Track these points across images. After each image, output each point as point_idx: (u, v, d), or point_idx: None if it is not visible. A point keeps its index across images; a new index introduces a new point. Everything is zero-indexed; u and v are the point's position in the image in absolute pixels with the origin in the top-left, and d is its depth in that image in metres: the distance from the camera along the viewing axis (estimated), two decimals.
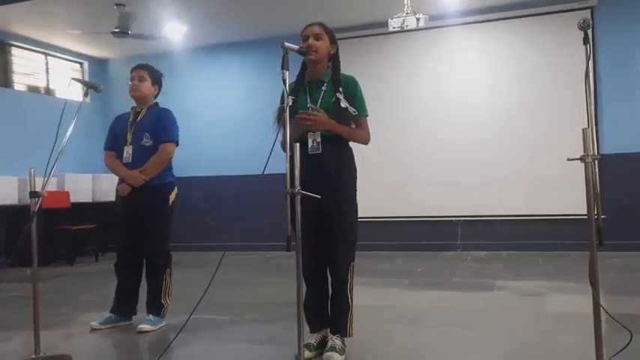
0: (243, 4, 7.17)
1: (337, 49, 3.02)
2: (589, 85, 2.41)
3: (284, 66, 2.58)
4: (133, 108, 3.89)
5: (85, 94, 3.34)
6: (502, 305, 4.20)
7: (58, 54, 8.81)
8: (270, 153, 2.62)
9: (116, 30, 6.75)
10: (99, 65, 9.46)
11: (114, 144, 3.84)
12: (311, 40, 2.88)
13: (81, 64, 9.29)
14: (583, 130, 2.36)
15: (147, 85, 3.83)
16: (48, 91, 8.73)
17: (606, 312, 2.29)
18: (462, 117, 7.56)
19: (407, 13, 5.23)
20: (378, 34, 7.73)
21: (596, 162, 2.33)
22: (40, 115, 8.19)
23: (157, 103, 3.93)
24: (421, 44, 7.76)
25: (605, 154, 7.03)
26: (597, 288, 2.32)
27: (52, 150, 3.09)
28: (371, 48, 7.89)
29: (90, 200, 8.31)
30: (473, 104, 7.54)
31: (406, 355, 2.94)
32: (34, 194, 3.01)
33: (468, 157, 7.50)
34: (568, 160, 2.43)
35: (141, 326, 3.56)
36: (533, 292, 4.55)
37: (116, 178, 3.89)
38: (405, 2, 5.31)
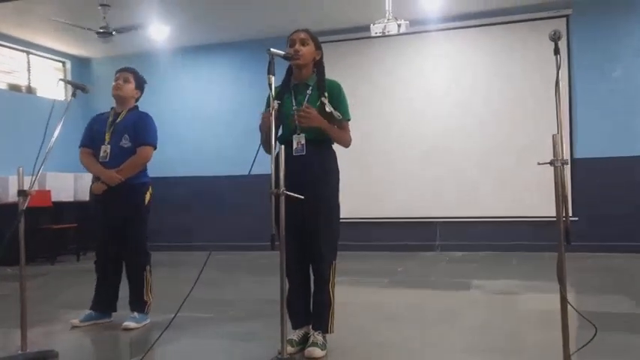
0: (227, 7, 7.25)
1: (322, 55, 3.13)
2: (559, 93, 2.54)
3: (270, 71, 2.68)
4: (112, 108, 3.94)
5: (73, 95, 3.41)
6: (477, 303, 4.36)
7: (40, 52, 8.78)
8: (256, 154, 2.71)
9: (101, 30, 6.77)
10: (82, 64, 9.44)
11: (91, 142, 3.87)
12: (297, 46, 2.98)
13: (63, 63, 9.26)
14: (553, 135, 2.50)
15: (130, 87, 3.89)
16: (29, 90, 8.69)
17: (573, 308, 2.42)
18: (441, 120, 7.73)
19: (388, 20, 5.36)
20: (361, 38, 7.85)
21: (565, 166, 2.47)
22: (21, 114, 8.17)
23: (137, 106, 3.98)
24: (402, 48, 7.91)
25: (578, 158, 7.29)
26: (564, 285, 2.45)
27: (40, 149, 3.15)
28: (354, 51, 8.03)
29: (71, 199, 8.30)
30: (452, 108, 7.71)
31: (385, 351, 3.05)
32: (22, 193, 3.07)
33: (447, 160, 7.67)
34: (538, 164, 2.56)
35: (126, 323, 3.62)
36: (507, 290, 4.71)
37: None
38: (387, 9, 5.44)
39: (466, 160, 7.61)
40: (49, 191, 7.83)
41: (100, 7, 6.76)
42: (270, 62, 2.69)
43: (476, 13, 7.56)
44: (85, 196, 8.27)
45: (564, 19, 7.27)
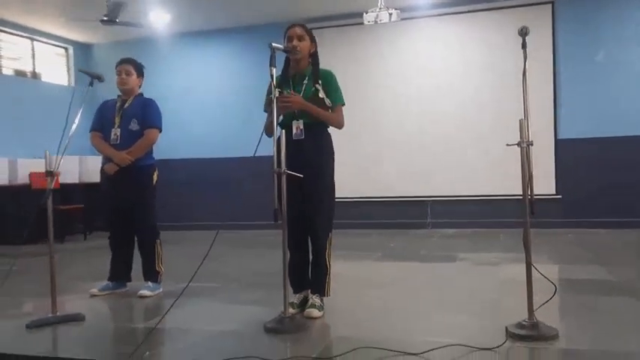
0: None
1: (316, 47, 3.45)
2: (525, 83, 2.88)
3: (272, 63, 3.04)
4: (119, 96, 4.26)
5: (90, 84, 3.73)
6: (461, 273, 4.76)
7: (43, 39, 9.04)
8: (260, 137, 3.06)
9: (105, 18, 7.04)
10: (84, 50, 9.71)
11: (100, 126, 4.20)
12: (295, 42, 3.30)
13: (66, 48, 9.52)
14: (520, 120, 2.85)
15: (133, 78, 4.22)
16: (34, 75, 8.97)
17: (536, 269, 2.79)
18: (431, 104, 8.07)
19: (380, 9, 5.67)
20: (354, 24, 8.14)
21: (530, 147, 2.83)
22: (27, 99, 8.48)
23: (141, 93, 4.31)
24: (394, 34, 8.19)
25: (562, 138, 7.65)
26: (529, 250, 2.84)
27: (63, 133, 3.48)
28: (347, 37, 8.34)
29: (77, 181, 8.62)
30: (442, 90, 8.04)
31: (373, 311, 3.44)
32: (49, 173, 3.41)
33: (438, 142, 8.02)
34: (507, 145, 2.92)
35: (141, 292, 4.00)
36: (490, 262, 5.11)
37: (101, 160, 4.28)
38: None
39: (457, 142, 7.96)
40: (56, 173, 8.13)
41: None
42: (271, 55, 3.03)
43: (464, 0, 7.85)
44: (90, 178, 8.60)
45: (549, 5, 7.58)
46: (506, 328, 2.77)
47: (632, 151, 7.35)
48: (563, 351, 2.60)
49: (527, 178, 2.83)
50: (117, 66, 4.22)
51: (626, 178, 7.32)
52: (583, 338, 2.76)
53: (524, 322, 2.78)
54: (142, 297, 3.97)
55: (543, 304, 2.82)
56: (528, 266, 2.82)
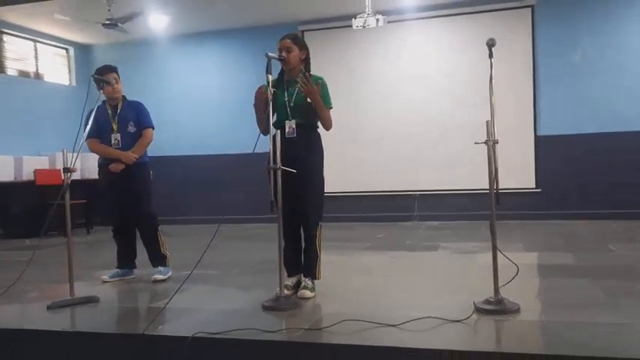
0: None
1: (308, 53, 3.81)
2: (492, 89, 3.26)
3: (268, 71, 3.42)
4: (104, 102, 4.54)
5: (100, 88, 4.10)
6: (441, 260, 5.17)
7: (45, 40, 9.35)
8: (258, 137, 3.44)
9: (107, 22, 7.38)
10: (84, 51, 10.00)
11: (98, 132, 4.49)
12: (284, 54, 3.65)
13: (67, 50, 9.84)
14: (486, 122, 3.24)
15: (120, 85, 4.57)
16: (37, 76, 9.30)
17: (500, 252, 3.19)
18: (418, 102, 8.45)
19: (368, 14, 6.06)
20: (343, 27, 8.50)
21: (495, 145, 3.22)
22: (31, 99, 8.81)
23: (124, 95, 4.62)
24: (381, 37, 8.53)
25: (541, 135, 8.07)
26: (495, 235, 3.23)
27: (78, 131, 3.84)
28: (337, 38, 8.72)
29: (79, 178, 8.94)
30: (428, 91, 8.43)
31: (360, 292, 3.84)
32: (66, 170, 3.78)
33: (425, 138, 8.42)
34: (475, 143, 3.31)
35: (155, 276, 4.39)
36: (469, 250, 5.52)
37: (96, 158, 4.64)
38: (367, 4, 6.13)
39: (442, 138, 8.35)
40: (59, 170, 8.46)
41: (104, 0, 7.37)
42: (267, 64, 3.41)
43: (446, 4, 8.23)
44: (91, 175, 8.90)
45: (529, 8, 7.97)
46: (474, 303, 3.16)
47: (608, 146, 7.76)
48: (522, 322, 2.99)
49: (492, 172, 3.22)
50: (102, 74, 4.35)
51: (602, 173, 7.75)
52: (541, 312, 3.16)
53: (490, 299, 3.17)
54: (157, 281, 4.35)
55: (507, 282, 3.22)
56: (494, 249, 3.22)
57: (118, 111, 4.53)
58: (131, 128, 4.52)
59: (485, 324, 2.98)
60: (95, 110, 4.56)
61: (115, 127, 4.50)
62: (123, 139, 4.48)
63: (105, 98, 4.51)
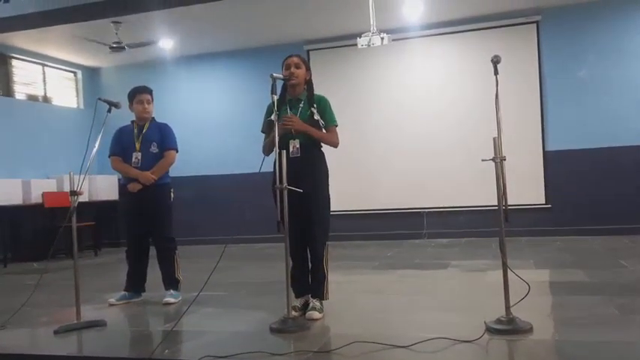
0: (228, 19, 7.91)
1: (311, 75, 3.84)
2: (498, 106, 3.25)
3: (273, 91, 3.43)
4: (133, 122, 4.63)
5: (109, 110, 4.10)
6: (451, 278, 5.11)
7: (53, 64, 9.45)
8: (264, 158, 3.44)
9: (114, 45, 7.45)
10: (91, 74, 10.10)
11: (121, 151, 4.58)
12: (293, 69, 3.69)
13: (75, 73, 9.94)
14: (493, 138, 3.22)
15: (152, 106, 4.63)
16: (45, 99, 9.38)
17: (511, 270, 3.14)
18: (425, 120, 8.43)
19: (372, 33, 6.09)
20: (348, 45, 8.53)
21: (503, 162, 3.19)
22: (40, 122, 8.89)
23: (154, 117, 4.68)
24: (387, 54, 8.56)
25: (550, 150, 8.02)
26: (505, 252, 3.18)
27: (85, 154, 3.85)
28: (342, 57, 8.74)
29: (87, 200, 8.98)
30: (435, 108, 8.40)
31: (369, 312, 3.79)
32: (73, 193, 3.78)
33: (432, 156, 8.37)
34: (482, 160, 3.29)
35: (166, 299, 4.35)
36: (479, 268, 5.45)
37: (111, 180, 4.66)
38: (371, 23, 6.16)
39: (450, 156, 8.30)
40: (67, 193, 8.48)
41: (112, 24, 7.45)
42: (272, 85, 3.42)
43: (450, 22, 8.26)
44: (99, 197, 8.97)
45: (534, 24, 7.98)
46: (485, 322, 3.11)
47: (618, 160, 7.70)
48: (534, 342, 2.93)
49: (501, 189, 3.18)
50: (136, 95, 4.54)
51: (612, 187, 7.67)
52: (554, 331, 3.10)
53: (501, 318, 3.12)
54: (167, 304, 4.31)
55: (518, 301, 3.16)
56: (504, 266, 3.17)
57: (144, 130, 4.55)
58: (154, 149, 4.52)
59: (497, 344, 2.93)
60: (119, 129, 4.68)
61: (137, 145, 4.52)
62: (143, 159, 4.48)
63: (134, 118, 4.59)
